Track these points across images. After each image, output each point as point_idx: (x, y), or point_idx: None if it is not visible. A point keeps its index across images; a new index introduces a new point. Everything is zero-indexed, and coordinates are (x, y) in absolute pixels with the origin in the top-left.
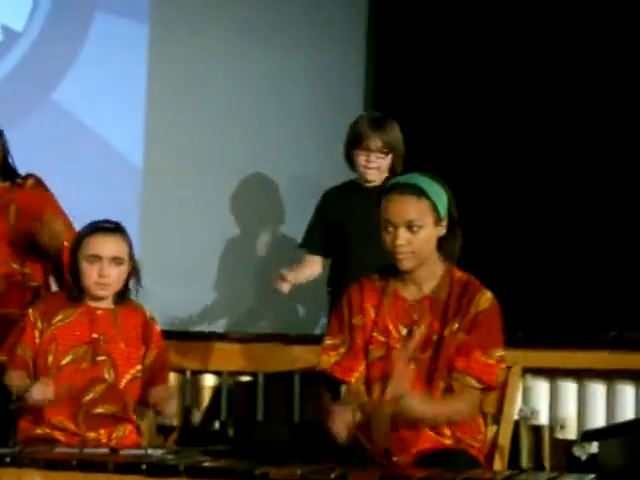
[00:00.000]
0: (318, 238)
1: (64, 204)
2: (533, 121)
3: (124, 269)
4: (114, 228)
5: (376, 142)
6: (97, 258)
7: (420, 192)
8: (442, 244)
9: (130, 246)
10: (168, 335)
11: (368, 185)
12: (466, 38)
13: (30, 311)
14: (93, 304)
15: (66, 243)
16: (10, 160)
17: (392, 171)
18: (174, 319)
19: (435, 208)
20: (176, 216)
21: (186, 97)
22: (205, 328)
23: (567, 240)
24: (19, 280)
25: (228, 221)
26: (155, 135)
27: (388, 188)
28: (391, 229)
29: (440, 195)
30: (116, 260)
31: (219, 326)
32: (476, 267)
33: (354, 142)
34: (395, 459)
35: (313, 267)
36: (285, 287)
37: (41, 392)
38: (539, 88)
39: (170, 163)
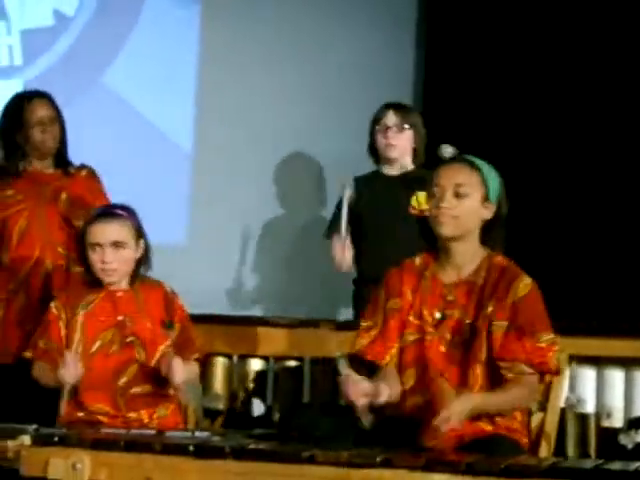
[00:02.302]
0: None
1: (112, 188)
2: (578, 114)
3: (128, 252)
4: (113, 213)
5: (392, 118)
6: (98, 245)
7: (474, 165)
8: (485, 231)
9: (135, 228)
10: (216, 320)
11: (391, 173)
12: (518, 26)
13: (52, 304)
14: (112, 287)
15: None
16: (65, 149)
17: (415, 154)
18: (222, 303)
19: (485, 185)
20: (226, 201)
21: (237, 81)
22: (253, 313)
23: (614, 227)
24: (64, 264)
25: (278, 206)
26: (205, 119)
27: (443, 162)
28: (438, 193)
29: (493, 178)
30: (116, 244)
31: (267, 311)
32: (521, 254)
33: (373, 123)
34: (433, 442)
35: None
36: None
37: (69, 374)
38: (592, 85)
39: (220, 148)
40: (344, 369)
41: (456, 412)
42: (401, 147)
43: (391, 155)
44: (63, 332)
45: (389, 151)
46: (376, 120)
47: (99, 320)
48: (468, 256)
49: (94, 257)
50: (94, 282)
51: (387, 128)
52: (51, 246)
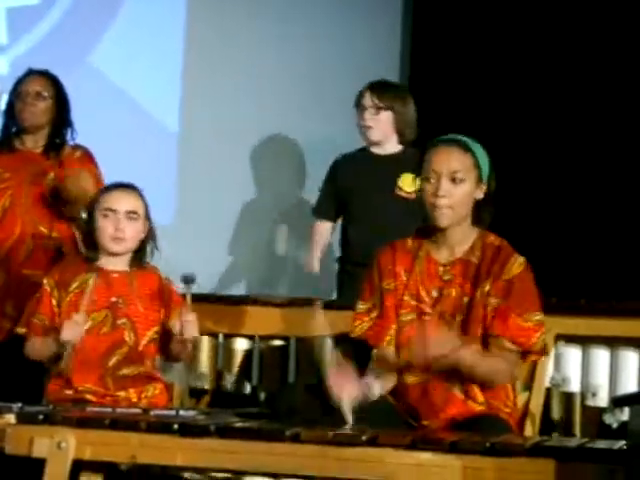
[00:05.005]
0: (329, 205)
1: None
2: (566, 92)
3: (139, 226)
4: (130, 186)
5: (368, 99)
6: (113, 212)
7: (466, 147)
8: (476, 209)
9: (146, 206)
10: (201, 298)
11: (378, 153)
12: (503, 5)
13: (45, 281)
14: (109, 267)
15: None
16: (58, 131)
17: (400, 134)
18: (208, 282)
19: (478, 167)
20: (211, 181)
21: (223, 62)
22: (238, 292)
23: (602, 206)
24: (46, 243)
25: (262, 186)
26: (191, 100)
27: (434, 142)
28: (433, 180)
29: (484, 157)
30: (131, 214)
31: (252, 290)
32: (509, 232)
33: (355, 105)
34: (425, 422)
35: (324, 236)
36: (316, 266)
37: (71, 331)
38: (579, 64)
39: (206, 128)
40: (329, 354)
41: (444, 340)
42: (380, 129)
43: (370, 137)
44: (56, 310)
45: (367, 133)
46: (356, 101)
47: (92, 300)
48: (461, 236)
49: (106, 223)
50: (89, 261)
51: (364, 109)
52: (33, 225)
